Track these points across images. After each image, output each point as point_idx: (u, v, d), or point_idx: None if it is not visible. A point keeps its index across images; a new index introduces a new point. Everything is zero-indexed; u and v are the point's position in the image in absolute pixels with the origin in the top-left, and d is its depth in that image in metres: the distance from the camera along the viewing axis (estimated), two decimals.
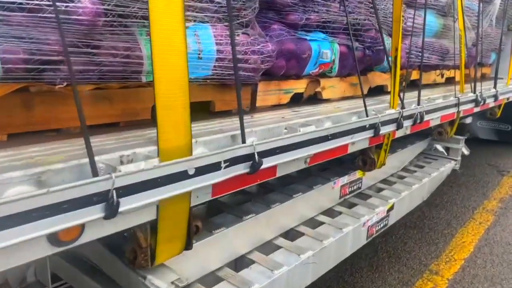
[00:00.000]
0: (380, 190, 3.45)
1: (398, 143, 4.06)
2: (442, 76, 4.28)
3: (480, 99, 4.16)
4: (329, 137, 2.16)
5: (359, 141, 2.55)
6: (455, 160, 4.36)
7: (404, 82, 3.47)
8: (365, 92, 3.14)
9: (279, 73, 2.31)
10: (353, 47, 2.73)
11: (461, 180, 6.28)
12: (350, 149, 2.55)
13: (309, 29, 2.47)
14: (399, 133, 3.07)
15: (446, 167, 4.17)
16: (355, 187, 3.19)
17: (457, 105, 3.72)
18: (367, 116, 2.50)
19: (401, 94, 2.89)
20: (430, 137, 4.39)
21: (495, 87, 4.77)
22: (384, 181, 3.65)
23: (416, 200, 3.66)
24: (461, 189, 5.92)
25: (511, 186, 6.14)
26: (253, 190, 2.76)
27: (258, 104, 2.30)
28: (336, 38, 2.66)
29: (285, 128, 2.01)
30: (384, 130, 2.63)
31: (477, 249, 4.29)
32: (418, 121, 3.07)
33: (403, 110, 2.84)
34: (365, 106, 2.51)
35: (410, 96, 3.39)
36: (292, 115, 2.28)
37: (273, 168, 2.02)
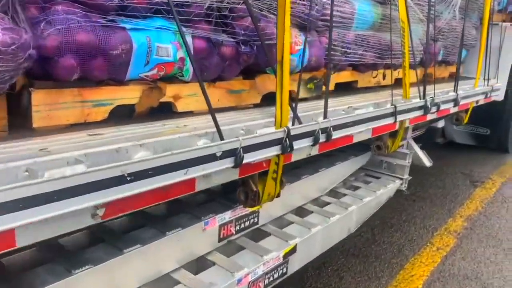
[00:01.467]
0: (288, 223, 2.66)
1: (327, 158, 3.27)
2: (384, 77, 3.47)
3: (430, 106, 3.36)
4: (127, 178, 1.38)
5: (214, 175, 1.78)
6: (401, 179, 3.56)
7: (323, 86, 2.69)
8: (256, 101, 2.35)
9: (67, 76, 1.52)
10: (218, 40, 1.94)
11: (427, 193, 5.48)
12: (198, 187, 1.77)
13: (135, 13, 1.68)
14: (296, 156, 2.29)
15: (387, 189, 3.37)
16: (247, 224, 2.41)
17: (394, 114, 2.92)
18: (221, 139, 1.72)
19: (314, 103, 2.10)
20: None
21: (455, 90, 3.97)
22: (300, 209, 2.87)
23: (337, 235, 2.87)
24: (425, 204, 5.12)
25: (482, 200, 5.34)
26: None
27: (37, 124, 1.52)
28: (189, 28, 1.86)
29: (26, 171, 1.23)
30: (253, 157, 1.84)
31: (426, 286, 3.50)
32: (323, 139, 2.28)
33: (293, 127, 2.05)
34: (215, 124, 1.72)
35: (334, 105, 2.62)
36: (89, 139, 1.49)
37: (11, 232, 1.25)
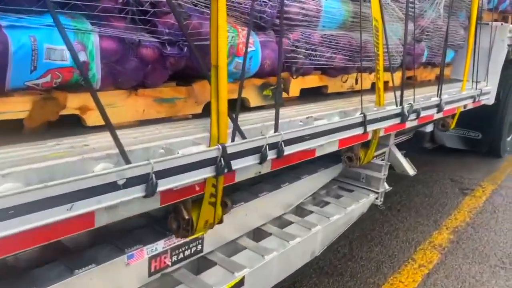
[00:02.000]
0: (240, 249, 2.32)
1: (293, 172, 2.93)
2: (357, 81, 3.13)
3: (407, 113, 3.02)
4: None
5: (121, 207, 1.44)
6: (376, 193, 3.22)
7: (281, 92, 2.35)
8: (196, 111, 2.02)
9: None
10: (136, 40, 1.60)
11: (413, 202, 5.14)
12: (99, 222, 1.43)
13: (17, 7, 1.34)
14: (241, 175, 1.95)
15: (360, 204, 3.03)
16: (187, 253, 2.07)
17: (364, 123, 2.58)
18: (126, 163, 1.37)
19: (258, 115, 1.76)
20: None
21: (439, 94, 3.62)
22: (257, 231, 2.53)
23: (298, 260, 2.53)
24: (409, 215, 4.78)
25: (471, 210, 5.00)
26: None
27: None
28: (98, 26, 1.52)
29: None
30: (174, 182, 1.50)
31: None
32: (274, 155, 1.94)
33: (231, 144, 1.71)
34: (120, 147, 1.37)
35: (293, 114, 2.29)
36: None
37: None
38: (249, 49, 2.10)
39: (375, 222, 4.53)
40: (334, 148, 2.57)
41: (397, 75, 3.74)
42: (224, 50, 1.68)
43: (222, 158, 1.67)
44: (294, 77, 2.59)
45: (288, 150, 2.02)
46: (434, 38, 4.23)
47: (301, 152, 2.20)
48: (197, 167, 1.59)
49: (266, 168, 2.08)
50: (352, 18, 2.87)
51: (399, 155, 4.42)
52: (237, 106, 1.79)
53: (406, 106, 3.04)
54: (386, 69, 3.48)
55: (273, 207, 2.62)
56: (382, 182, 3.21)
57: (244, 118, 2.10)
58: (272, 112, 2.30)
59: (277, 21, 2.48)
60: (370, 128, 2.69)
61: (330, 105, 2.70)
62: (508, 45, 5.42)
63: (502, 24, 5.12)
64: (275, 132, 1.96)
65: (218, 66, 1.67)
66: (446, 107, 3.85)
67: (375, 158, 4.21)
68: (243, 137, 1.83)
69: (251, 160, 1.85)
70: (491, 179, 6.08)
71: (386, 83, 3.17)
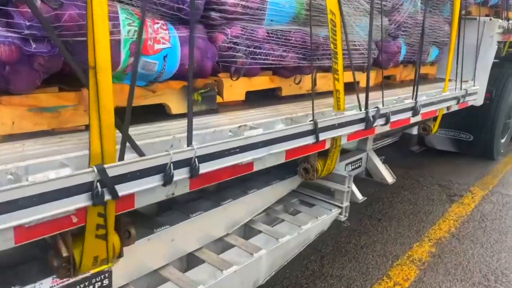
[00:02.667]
0: (161, 282, 1.96)
1: (242, 184, 2.58)
2: (298, 82, 2.74)
3: (373, 118, 2.66)
4: None
5: None
6: (339, 207, 2.85)
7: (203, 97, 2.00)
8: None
9: None
10: None
11: (396, 210, 4.77)
12: None
13: None
14: (143, 200, 1.59)
15: (318, 222, 2.66)
16: None
17: (315, 132, 2.22)
18: None
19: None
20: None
21: (414, 96, 3.25)
22: (190, 258, 2.17)
23: None
24: (390, 225, 4.41)
25: (457, 219, 4.62)
26: None
27: None
28: None
29: None
30: (24, 217, 1.16)
31: None
32: (185, 175, 1.59)
33: (114, 165, 1.36)
34: None
35: (227, 122, 1.93)
36: None
37: None
38: (162, 46, 1.75)
39: (352, 234, 4.17)
40: (280, 160, 2.21)
41: (372, 75, 3.38)
42: (104, 47, 1.33)
43: (99, 183, 1.31)
44: (234, 78, 2.24)
45: (206, 167, 1.67)
46: (414, 35, 3.86)
47: (231, 168, 1.84)
48: (61, 195, 1.24)
49: (181, 189, 1.73)
50: (306, 11, 2.51)
51: (378, 162, 4.06)
52: (126, 116, 1.43)
53: (371, 110, 2.67)
54: (357, 69, 3.13)
55: (211, 228, 2.26)
56: (346, 195, 2.84)
57: (157, 129, 1.75)
58: (203, 119, 1.95)
59: (213, 13, 2.14)
60: (325, 136, 2.33)
61: (278, 111, 2.34)
62: (499, 42, 5.03)
63: (490, 19, 4.73)
64: (188, 145, 1.61)
65: (96, 68, 1.32)
66: (424, 110, 3.49)
67: (350, 165, 3.87)
68: (140, 154, 1.48)
69: (152, 181, 1.50)
70: (482, 184, 5.69)
71: (351, 85, 2.83)
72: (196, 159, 1.60)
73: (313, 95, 2.29)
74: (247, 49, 2.21)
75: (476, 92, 4.64)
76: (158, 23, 1.76)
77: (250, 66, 2.26)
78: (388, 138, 5.37)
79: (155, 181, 1.51)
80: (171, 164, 1.51)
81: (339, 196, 2.84)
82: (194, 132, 1.71)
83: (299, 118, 2.26)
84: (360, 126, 2.63)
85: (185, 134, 1.58)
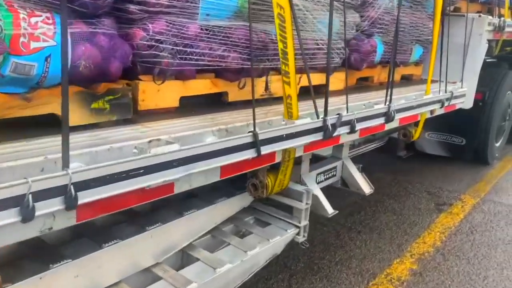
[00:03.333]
0: None
1: (183, 203, 2.23)
2: (267, 88, 2.41)
3: (332, 127, 2.30)
4: None
5: None
6: (297, 227, 2.49)
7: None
8: None
9: None
10: None
11: (379, 221, 4.40)
12: None
13: None
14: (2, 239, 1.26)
15: (269, 245, 2.30)
16: None
17: (256, 145, 1.87)
18: None
19: None
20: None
21: (387, 100, 2.89)
22: None
23: None
24: (370, 238, 4.05)
25: (444, 231, 4.26)
26: None
27: None
28: None
29: None
30: None
31: None
32: (60, 206, 1.25)
33: None
34: None
35: (141, 136, 1.59)
36: None
37: None
38: (42, 44, 1.41)
39: (328, 248, 3.81)
40: (214, 178, 1.86)
41: (339, 77, 3.04)
42: None
43: None
44: (158, 82, 1.89)
45: (91, 195, 1.32)
46: (392, 32, 3.50)
47: (137, 193, 1.50)
48: None
49: (65, 221, 1.38)
50: (252, 5, 2.16)
51: (354, 170, 3.70)
52: None
53: (331, 118, 2.32)
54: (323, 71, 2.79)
55: (138, 256, 1.92)
56: (304, 213, 2.49)
57: (35, 146, 1.40)
58: (106, 132, 1.61)
59: (131, 6, 1.80)
60: (270, 149, 1.98)
61: (215, 120, 1.99)
62: (490, 40, 4.66)
63: (479, 16, 4.36)
64: (63, 168, 1.26)
65: None
66: (401, 115, 3.13)
67: (323, 175, 3.51)
68: None
69: (5, 217, 1.16)
70: (473, 191, 5.32)
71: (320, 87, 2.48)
72: (72, 186, 1.26)
73: (254, 100, 1.93)
74: (175, 48, 1.86)
75: (464, 94, 4.27)
76: (39, 16, 1.41)
77: (179, 67, 1.91)
78: (372, 143, 5.00)
79: (10, 216, 1.17)
80: (30, 195, 1.17)
81: (298, 214, 2.49)
82: (84, 150, 1.37)
83: (237, 129, 1.91)
84: (317, 136, 2.28)
85: (52, 156, 1.24)
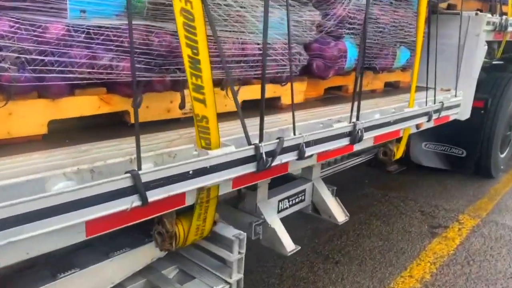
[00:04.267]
0: None
1: (70, 256, 1.70)
2: (182, 107, 1.85)
3: (265, 157, 1.75)
4: None
5: None
6: (228, 283, 1.92)
7: None
8: None
9: None
10: None
11: (361, 248, 3.82)
12: None
13: None
14: None
15: None
16: None
17: (136, 190, 1.33)
18: None
19: None
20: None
21: (352, 117, 2.32)
22: None
23: None
24: (349, 270, 3.47)
25: (436, 261, 3.66)
26: None
27: None
28: None
29: None
30: None
31: None
32: None
33: None
34: None
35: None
36: None
37: None
38: None
39: (297, 285, 3.25)
40: (77, 238, 1.33)
41: (298, 88, 2.49)
42: None
43: None
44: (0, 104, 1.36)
45: None
46: (369, 33, 2.93)
47: None
48: None
49: None
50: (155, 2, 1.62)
51: (326, 195, 3.14)
52: None
53: (265, 144, 1.77)
54: (275, 81, 2.26)
55: None
56: (236, 265, 1.93)
57: None
58: None
59: None
60: (164, 193, 1.43)
61: (87, 153, 1.45)
62: (489, 41, 4.06)
63: (476, 14, 3.76)
64: None
65: None
66: (374, 133, 2.56)
67: (287, 201, 2.98)
68: None
69: None
70: (474, 209, 4.71)
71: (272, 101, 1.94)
72: None
73: (137, 125, 1.38)
74: (21, 56, 1.33)
75: (458, 103, 3.68)
76: None
77: (31, 82, 1.37)
78: (357, 158, 4.43)
79: None
80: None
81: (230, 265, 1.94)
82: None
83: (111, 167, 1.37)
84: (247, 168, 1.73)
85: None
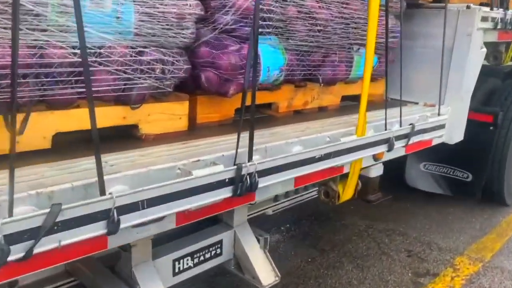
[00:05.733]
0: None
1: None
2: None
3: (117, 221, 1.00)
4: None
5: None
6: None
7: None
8: None
9: None
10: None
11: None
12: None
13: None
14: None
15: None
16: None
17: None
18: None
19: None
20: None
21: (247, 157, 1.54)
22: None
23: None
24: None
25: None
26: None
27: None
28: None
29: None
30: None
31: None
32: None
33: None
34: None
35: None
36: None
37: None
38: None
39: None
40: None
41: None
42: None
43: None
44: None
45: None
46: (301, 33, 2.13)
47: None
48: None
49: None
50: None
51: (251, 247, 2.36)
52: None
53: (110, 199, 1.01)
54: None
55: None
56: None
57: None
58: None
59: None
60: None
61: None
62: (489, 43, 3.16)
63: (468, 7, 2.87)
64: None
65: None
66: (280, 177, 1.76)
67: (190, 260, 2.25)
68: None
69: None
70: (477, 249, 3.78)
71: None
72: None
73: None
74: None
75: (442, 123, 2.80)
76: None
77: None
78: (304, 192, 3.54)
79: None
80: None
81: None
82: None
83: None
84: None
85: None
